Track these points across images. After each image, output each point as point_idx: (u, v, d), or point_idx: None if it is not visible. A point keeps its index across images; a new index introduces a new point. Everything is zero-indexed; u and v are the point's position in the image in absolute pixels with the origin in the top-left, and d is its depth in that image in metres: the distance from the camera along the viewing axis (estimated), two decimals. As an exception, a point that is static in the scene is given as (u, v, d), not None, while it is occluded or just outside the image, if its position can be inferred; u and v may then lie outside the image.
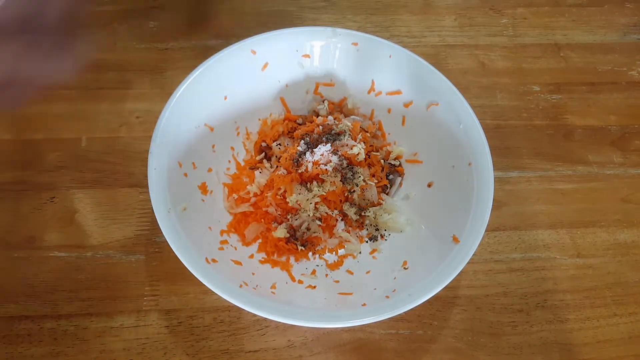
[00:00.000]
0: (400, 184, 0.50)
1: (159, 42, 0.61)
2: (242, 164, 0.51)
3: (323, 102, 0.53)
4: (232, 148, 0.51)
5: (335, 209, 0.47)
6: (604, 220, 0.52)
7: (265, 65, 0.51)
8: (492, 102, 0.59)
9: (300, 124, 0.52)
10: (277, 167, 0.48)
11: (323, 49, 0.51)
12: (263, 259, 0.45)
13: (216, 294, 0.37)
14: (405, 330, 0.45)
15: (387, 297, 0.40)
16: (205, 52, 0.50)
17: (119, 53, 0.60)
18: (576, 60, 0.64)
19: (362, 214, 0.48)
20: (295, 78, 0.53)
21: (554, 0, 0.69)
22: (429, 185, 0.49)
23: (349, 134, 0.48)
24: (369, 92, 0.53)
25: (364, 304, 0.40)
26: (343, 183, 0.47)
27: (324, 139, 0.48)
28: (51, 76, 0.36)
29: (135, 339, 0.44)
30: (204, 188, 0.47)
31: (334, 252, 0.47)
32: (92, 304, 0.45)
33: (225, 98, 0.50)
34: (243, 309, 0.37)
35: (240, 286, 0.40)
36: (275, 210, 0.47)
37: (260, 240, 0.47)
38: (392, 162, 0.51)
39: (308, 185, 0.46)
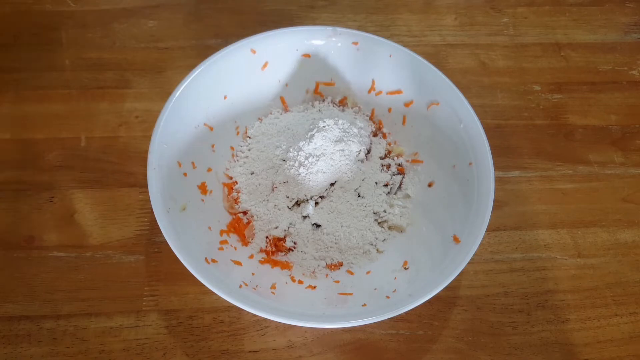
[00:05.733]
0: (401, 183, 0.50)
1: (159, 41, 0.61)
2: (242, 163, 0.51)
3: (323, 100, 0.53)
4: (232, 148, 0.51)
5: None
6: (605, 220, 0.52)
7: (265, 64, 0.51)
8: (493, 101, 0.59)
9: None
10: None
11: (323, 48, 0.51)
12: (263, 259, 0.45)
13: (216, 294, 0.37)
14: (405, 331, 0.45)
15: (388, 297, 0.40)
16: (205, 52, 0.50)
17: (118, 52, 0.60)
18: (577, 59, 0.64)
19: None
20: (295, 77, 0.52)
21: (554, 0, 0.69)
22: (430, 185, 0.49)
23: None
24: (369, 91, 0.53)
25: (364, 304, 0.40)
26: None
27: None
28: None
29: (135, 339, 0.44)
30: (203, 188, 0.46)
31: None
32: (92, 304, 0.45)
33: (225, 97, 0.49)
34: (243, 309, 0.37)
35: (240, 286, 0.40)
36: (275, 210, 0.47)
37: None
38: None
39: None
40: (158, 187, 0.41)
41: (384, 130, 0.53)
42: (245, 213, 0.47)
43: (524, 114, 0.59)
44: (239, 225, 0.46)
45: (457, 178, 0.46)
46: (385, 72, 0.51)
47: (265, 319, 0.43)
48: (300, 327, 0.43)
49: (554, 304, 0.47)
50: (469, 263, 0.40)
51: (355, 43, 0.51)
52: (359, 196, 0.48)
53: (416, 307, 0.38)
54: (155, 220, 0.39)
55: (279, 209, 0.47)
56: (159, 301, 0.45)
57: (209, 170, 0.48)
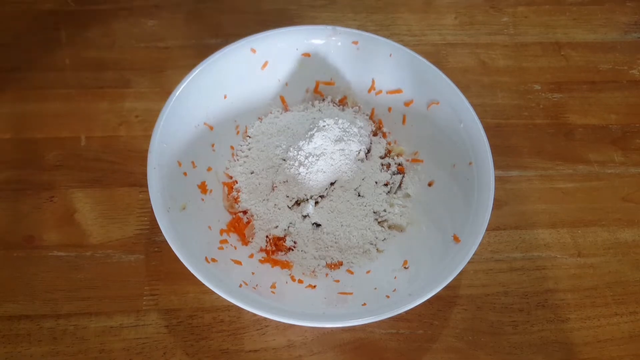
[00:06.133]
0: (401, 183, 0.50)
1: (159, 40, 0.61)
2: (242, 163, 0.50)
3: (323, 100, 0.53)
4: (232, 147, 0.51)
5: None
6: (605, 219, 0.52)
7: (265, 64, 0.51)
8: (493, 100, 0.59)
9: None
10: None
11: (323, 47, 0.51)
12: (263, 259, 0.45)
13: (216, 294, 0.37)
14: (405, 330, 0.45)
15: (388, 296, 0.40)
16: (205, 51, 0.49)
17: (118, 52, 0.60)
18: (577, 59, 0.64)
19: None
20: (295, 77, 0.52)
21: (554, -1, 0.69)
22: (430, 185, 0.49)
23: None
24: (369, 91, 0.53)
25: (364, 304, 0.40)
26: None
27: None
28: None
29: (135, 338, 0.44)
30: (203, 187, 0.46)
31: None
32: (92, 304, 0.45)
33: (225, 97, 0.49)
34: (243, 309, 0.37)
35: (240, 286, 0.40)
36: (275, 209, 0.47)
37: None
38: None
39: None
40: (158, 187, 0.41)
41: (384, 129, 0.53)
42: (245, 212, 0.47)
43: (524, 113, 0.59)
44: (239, 225, 0.46)
45: (457, 177, 0.46)
46: (385, 72, 0.51)
47: (265, 319, 0.43)
48: (300, 326, 0.43)
49: (554, 303, 0.47)
50: (469, 262, 0.40)
51: (355, 42, 0.51)
52: (359, 195, 0.48)
53: (416, 306, 0.38)
54: (155, 220, 0.39)
55: (279, 209, 0.47)
56: (159, 300, 0.45)
57: (209, 169, 0.48)
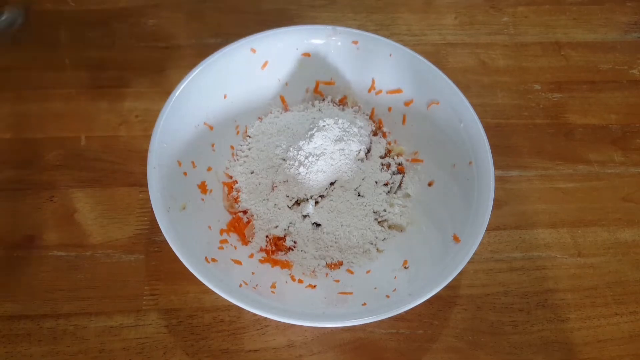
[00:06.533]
0: (401, 182, 0.50)
1: (159, 40, 0.61)
2: (242, 163, 0.50)
3: (323, 100, 0.53)
4: (232, 147, 0.51)
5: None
6: (605, 219, 0.52)
7: (265, 63, 0.51)
8: (493, 100, 0.59)
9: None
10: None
11: (323, 47, 0.51)
12: (263, 258, 0.45)
13: (216, 294, 0.37)
14: (405, 330, 0.45)
15: (388, 296, 0.40)
16: (205, 51, 0.49)
17: (118, 52, 0.60)
18: (577, 58, 0.64)
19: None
20: (295, 76, 0.52)
21: (554, -1, 0.69)
22: (430, 184, 0.49)
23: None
24: (369, 90, 0.53)
25: (364, 304, 0.40)
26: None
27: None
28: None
29: (135, 338, 0.44)
30: (203, 187, 0.46)
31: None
32: (92, 304, 0.45)
33: (225, 97, 0.49)
34: (243, 309, 0.37)
35: (240, 285, 0.40)
36: (275, 209, 0.47)
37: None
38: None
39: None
40: (158, 187, 0.41)
41: (384, 129, 0.53)
42: (245, 212, 0.47)
43: (524, 113, 0.59)
44: (239, 225, 0.46)
45: (457, 177, 0.46)
46: (385, 71, 0.51)
47: (265, 318, 0.43)
48: (300, 326, 0.43)
49: (554, 303, 0.47)
50: (469, 262, 0.40)
51: (355, 42, 0.51)
52: (359, 195, 0.48)
53: (416, 306, 0.38)
54: (155, 220, 0.39)
55: (279, 208, 0.47)
56: (159, 300, 0.45)
57: (209, 169, 0.48)
